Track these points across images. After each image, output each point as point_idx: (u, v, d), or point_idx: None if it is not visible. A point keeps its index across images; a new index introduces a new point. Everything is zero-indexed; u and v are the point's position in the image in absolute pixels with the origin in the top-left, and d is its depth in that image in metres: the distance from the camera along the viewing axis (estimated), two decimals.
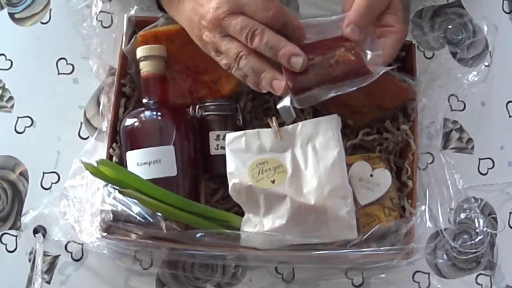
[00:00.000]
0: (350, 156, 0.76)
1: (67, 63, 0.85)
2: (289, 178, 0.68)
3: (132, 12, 0.79)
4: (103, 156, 0.76)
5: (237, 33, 0.63)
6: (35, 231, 0.78)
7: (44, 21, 0.87)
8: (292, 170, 0.69)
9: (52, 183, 0.80)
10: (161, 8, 0.76)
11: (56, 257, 0.78)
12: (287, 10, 0.64)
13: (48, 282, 0.77)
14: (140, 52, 0.73)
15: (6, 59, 0.85)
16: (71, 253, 0.78)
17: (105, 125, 0.79)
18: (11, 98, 0.84)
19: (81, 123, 0.83)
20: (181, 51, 0.76)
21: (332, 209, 0.67)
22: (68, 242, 0.78)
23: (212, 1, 0.64)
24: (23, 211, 0.79)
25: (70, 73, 0.85)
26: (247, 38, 0.63)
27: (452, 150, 0.84)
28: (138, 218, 0.68)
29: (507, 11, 0.90)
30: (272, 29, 0.63)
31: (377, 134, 0.79)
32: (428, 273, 0.79)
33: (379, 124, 0.80)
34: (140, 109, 0.73)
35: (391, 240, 0.71)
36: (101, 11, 0.86)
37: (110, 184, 0.69)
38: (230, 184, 0.69)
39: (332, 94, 0.65)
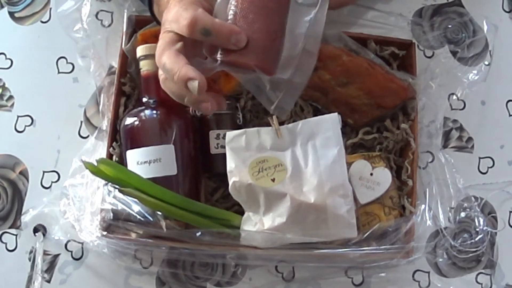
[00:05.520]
0: (350, 155, 0.76)
1: (67, 62, 0.85)
2: (289, 177, 0.68)
3: (126, 12, 0.79)
4: (103, 155, 0.76)
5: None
6: (35, 230, 0.78)
7: (44, 20, 0.87)
8: (292, 168, 0.69)
9: (52, 182, 0.80)
10: (154, 16, 0.74)
11: (56, 256, 0.78)
12: (208, 17, 0.56)
13: (48, 281, 0.77)
14: (140, 51, 0.73)
15: (6, 58, 0.85)
16: (71, 252, 0.78)
17: (105, 124, 0.79)
18: (11, 97, 0.84)
19: (81, 122, 0.83)
20: None
21: (332, 207, 0.67)
22: (68, 241, 0.78)
23: None
24: (23, 210, 0.79)
25: (70, 72, 0.85)
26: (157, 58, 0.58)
27: (452, 149, 0.84)
28: (138, 217, 0.68)
29: (507, 10, 0.90)
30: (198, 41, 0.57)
31: (377, 133, 0.79)
32: (428, 272, 0.79)
33: (379, 123, 0.80)
34: (140, 108, 0.73)
35: (391, 239, 0.71)
36: (100, 10, 0.86)
37: (110, 183, 0.69)
38: (230, 183, 0.69)
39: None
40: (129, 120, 0.73)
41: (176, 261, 0.77)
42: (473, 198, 0.81)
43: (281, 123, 0.72)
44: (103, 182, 0.71)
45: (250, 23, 0.56)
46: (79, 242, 0.78)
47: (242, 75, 0.59)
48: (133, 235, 0.71)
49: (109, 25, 0.86)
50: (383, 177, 0.74)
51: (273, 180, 0.68)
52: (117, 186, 0.68)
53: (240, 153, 0.70)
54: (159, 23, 0.70)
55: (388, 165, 0.75)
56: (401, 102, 0.78)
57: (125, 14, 0.78)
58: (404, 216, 0.74)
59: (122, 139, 0.74)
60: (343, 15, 0.84)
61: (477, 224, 0.79)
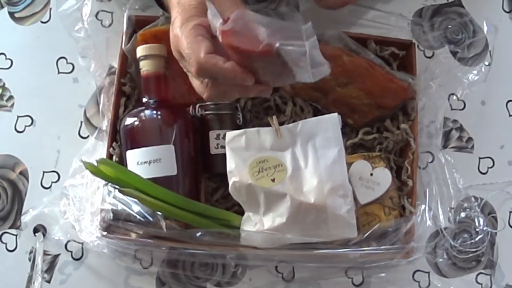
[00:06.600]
0: (350, 155, 0.76)
1: (67, 62, 0.85)
2: (289, 177, 0.68)
3: (126, 12, 0.79)
4: (103, 155, 0.76)
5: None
6: (35, 230, 0.78)
7: (44, 20, 0.87)
8: (292, 168, 0.69)
9: (52, 182, 0.80)
10: (161, 6, 0.74)
11: (56, 256, 0.78)
12: (211, 63, 0.56)
13: (48, 281, 0.77)
14: (140, 51, 0.73)
15: (6, 58, 0.85)
16: (71, 252, 0.78)
17: (105, 124, 0.79)
18: (11, 97, 0.84)
19: (81, 122, 0.83)
20: None
21: (332, 207, 0.67)
22: (68, 241, 0.78)
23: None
24: (23, 210, 0.79)
25: (70, 72, 0.85)
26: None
27: (452, 149, 0.84)
28: (138, 217, 0.68)
29: (507, 10, 0.90)
30: None
31: (377, 133, 0.79)
32: (428, 272, 0.79)
33: (379, 123, 0.80)
34: (140, 108, 0.73)
35: (391, 239, 0.71)
36: (101, 10, 0.86)
37: (110, 183, 0.69)
38: (230, 183, 0.69)
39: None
40: (129, 120, 0.73)
41: (176, 261, 0.77)
42: (473, 198, 0.81)
43: (281, 123, 0.72)
44: (103, 182, 0.71)
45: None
46: (79, 242, 0.78)
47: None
48: (133, 235, 0.71)
49: (109, 25, 0.86)
50: (383, 177, 0.74)
51: (273, 180, 0.68)
52: (117, 186, 0.68)
53: (240, 153, 0.70)
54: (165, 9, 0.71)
55: (388, 165, 0.76)
56: (401, 102, 0.78)
57: (125, 14, 0.78)
58: (404, 216, 0.74)
59: (122, 139, 0.74)
60: (343, 15, 0.84)
61: (477, 224, 0.79)
